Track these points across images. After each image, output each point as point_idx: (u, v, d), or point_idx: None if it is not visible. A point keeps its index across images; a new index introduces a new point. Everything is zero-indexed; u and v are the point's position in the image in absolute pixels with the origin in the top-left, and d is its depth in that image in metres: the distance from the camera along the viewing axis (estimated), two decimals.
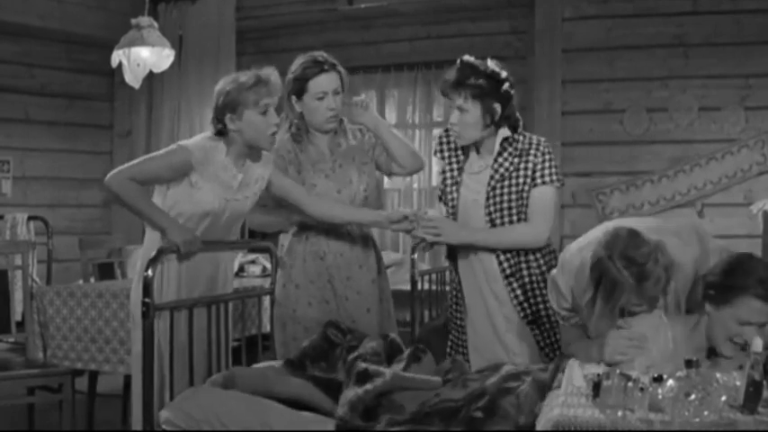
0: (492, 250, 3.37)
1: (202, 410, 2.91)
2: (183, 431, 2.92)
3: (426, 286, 4.81)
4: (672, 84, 6.16)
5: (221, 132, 3.38)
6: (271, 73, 3.38)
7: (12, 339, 4.74)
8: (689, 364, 2.35)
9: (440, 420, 2.67)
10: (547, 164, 3.35)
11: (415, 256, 4.45)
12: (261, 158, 3.49)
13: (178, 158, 3.31)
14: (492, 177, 3.36)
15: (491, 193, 3.36)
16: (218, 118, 3.37)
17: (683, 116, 6.14)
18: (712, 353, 2.75)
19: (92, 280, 5.28)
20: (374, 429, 2.68)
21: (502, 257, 3.37)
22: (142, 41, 5.64)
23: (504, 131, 3.39)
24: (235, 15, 7.32)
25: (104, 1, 7.20)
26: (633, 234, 2.61)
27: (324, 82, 3.56)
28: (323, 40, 7.01)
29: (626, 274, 2.54)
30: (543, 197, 3.35)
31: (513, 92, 3.38)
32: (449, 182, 3.46)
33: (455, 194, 3.44)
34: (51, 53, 7.42)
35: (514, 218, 3.35)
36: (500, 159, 3.37)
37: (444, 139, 3.52)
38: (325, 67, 3.57)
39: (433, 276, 4.99)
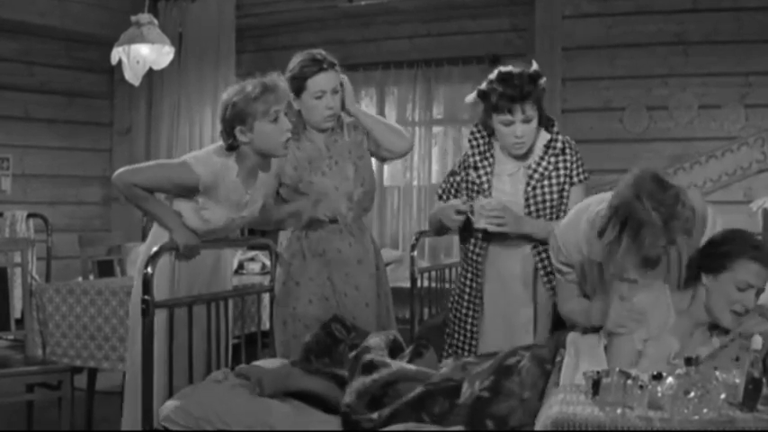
0: (534, 246, 3.36)
1: (202, 408, 2.91)
2: (183, 429, 2.92)
3: (426, 284, 4.81)
4: (672, 82, 6.15)
5: (232, 147, 3.31)
6: (277, 78, 3.32)
7: (11, 336, 4.73)
8: (688, 361, 2.35)
9: (444, 399, 2.71)
10: (580, 162, 3.41)
11: (415, 253, 4.44)
12: (271, 167, 3.48)
13: (185, 179, 3.27)
14: (531, 177, 3.36)
15: (531, 193, 3.35)
16: (228, 131, 3.30)
17: (682, 114, 6.13)
18: (713, 327, 2.79)
19: (91, 277, 5.27)
20: (377, 429, 2.69)
21: (544, 255, 3.35)
22: (142, 39, 5.63)
23: (544, 133, 3.41)
24: (235, 13, 7.32)
25: None
26: (658, 177, 2.66)
27: (322, 81, 3.55)
28: (323, 37, 7.00)
29: (654, 216, 2.56)
30: (580, 195, 3.39)
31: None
32: (485, 186, 3.39)
33: (489, 197, 3.38)
34: (51, 51, 7.42)
35: (555, 216, 3.36)
36: (537, 159, 3.37)
37: (474, 143, 3.46)
38: (324, 66, 3.55)
39: (433, 274, 4.98)
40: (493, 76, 3.30)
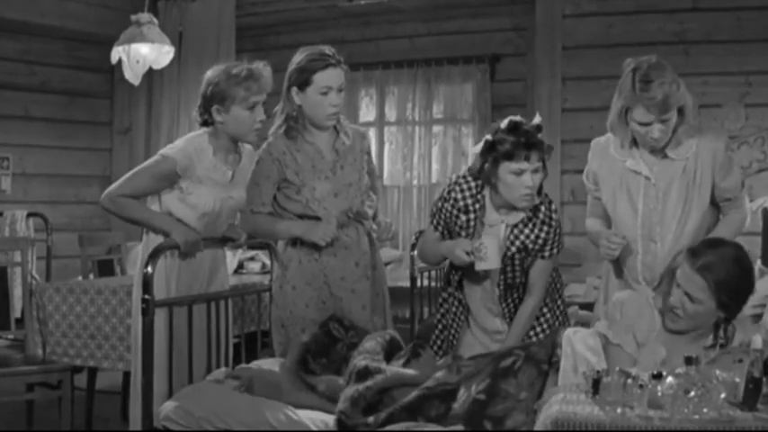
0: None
1: (203, 408, 2.92)
2: (183, 429, 2.92)
3: (426, 283, 4.81)
4: None
5: (206, 123, 3.38)
6: (263, 68, 3.39)
7: (11, 336, 4.74)
8: (689, 361, 2.34)
9: (439, 402, 2.71)
10: (557, 238, 3.36)
11: (415, 252, 4.44)
12: (244, 152, 3.52)
13: (162, 169, 3.33)
14: (510, 246, 3.31)
15: (509, 262, 3.32)
16: (205, 107, 3.37)
17: None
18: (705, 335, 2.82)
19: (91, 276, 5.27)
20: (374, 429, 2.69)
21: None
22: (142, 38, 5.63)
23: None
24: (235, 12, 7.32)
25: None
26: (660, 64, 3.17)
27: (329, 77, 3.48)
28: (323, 36, 6.99)
29: (629, 80, 3.13)
30: (545, 270, 3.39)
31: None
32: (471, 230, 3.35)
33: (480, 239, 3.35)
34: (51, 50, 7.42)
35: (521, 286, 3.41)
36: (520, 226, 3.33)
37: (465, 186, 3.36)
38: (332, 62, 3.49)
39: (433, 273, 4.99)
40: (503, 126, 3.24)
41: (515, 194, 3.24)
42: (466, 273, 3.42)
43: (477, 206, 3.34)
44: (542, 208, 3.34)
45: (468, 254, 3.23)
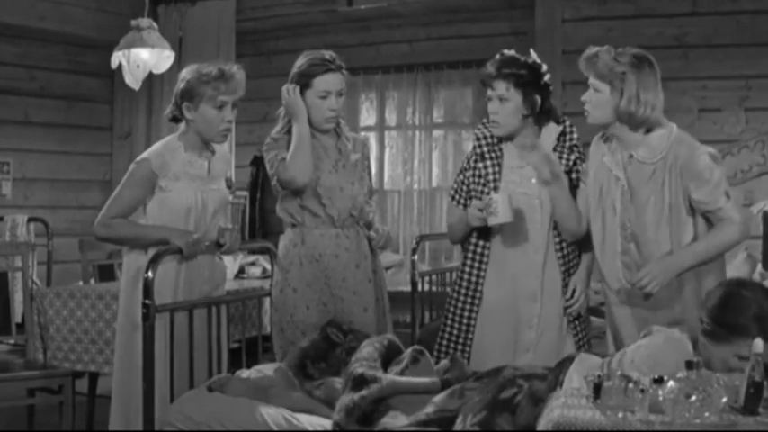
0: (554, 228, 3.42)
1: (203, 413, 2.91)
2: None
3: (427, 287, 4.81)
4: (672, 85, 6.06)
5: (176, 119, 3.48)
6: (236, 71, 3.46)
7: (12, 341, 4.75)
8: (689, 365, 2.35)
9: (437, 429, 2.68)
10: (585, 160, 3.46)
11: (416, 257, 4.44)
12: (216, 154, 3.56)
13: (140, 173, 3.37)
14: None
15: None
16: (176, 103, 3.46)
17: (683, 117, 6.12)
18: None
19: (92, 281, 5.27)
20: None
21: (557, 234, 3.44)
22: (142, 43, 5.64)
23: (554, 126, 3.46)
24: (235, 17, 7.33)
25: (104, 2, 7.20)
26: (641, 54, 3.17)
27: (328, 81, 3.53)
28: (323, 41, 6.96)
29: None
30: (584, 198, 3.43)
31: (551, 85, 3.47)
32: (490, 177, 3.42)
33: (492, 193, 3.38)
34: (51, 55, 7.43)
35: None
36: (555, 155, 3.40)
37: (481, 134, 3.50)
38: (332, 67, 3.54)
39: (434, 278, 4.98)
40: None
41: (490, 120, 3.43)
42: (503, 234, 3.41)
43: (494, 155, 3.44)
44: (567, 133, 3.46)
45: (480, 210, 3.29)
